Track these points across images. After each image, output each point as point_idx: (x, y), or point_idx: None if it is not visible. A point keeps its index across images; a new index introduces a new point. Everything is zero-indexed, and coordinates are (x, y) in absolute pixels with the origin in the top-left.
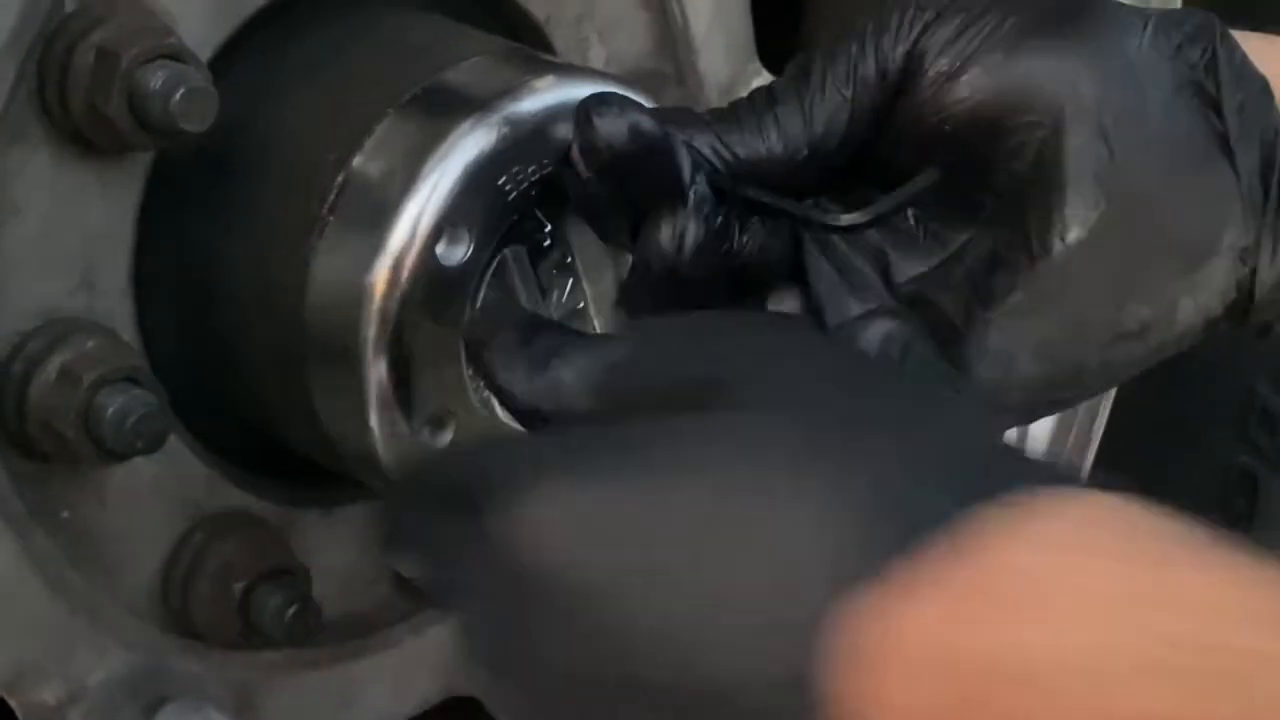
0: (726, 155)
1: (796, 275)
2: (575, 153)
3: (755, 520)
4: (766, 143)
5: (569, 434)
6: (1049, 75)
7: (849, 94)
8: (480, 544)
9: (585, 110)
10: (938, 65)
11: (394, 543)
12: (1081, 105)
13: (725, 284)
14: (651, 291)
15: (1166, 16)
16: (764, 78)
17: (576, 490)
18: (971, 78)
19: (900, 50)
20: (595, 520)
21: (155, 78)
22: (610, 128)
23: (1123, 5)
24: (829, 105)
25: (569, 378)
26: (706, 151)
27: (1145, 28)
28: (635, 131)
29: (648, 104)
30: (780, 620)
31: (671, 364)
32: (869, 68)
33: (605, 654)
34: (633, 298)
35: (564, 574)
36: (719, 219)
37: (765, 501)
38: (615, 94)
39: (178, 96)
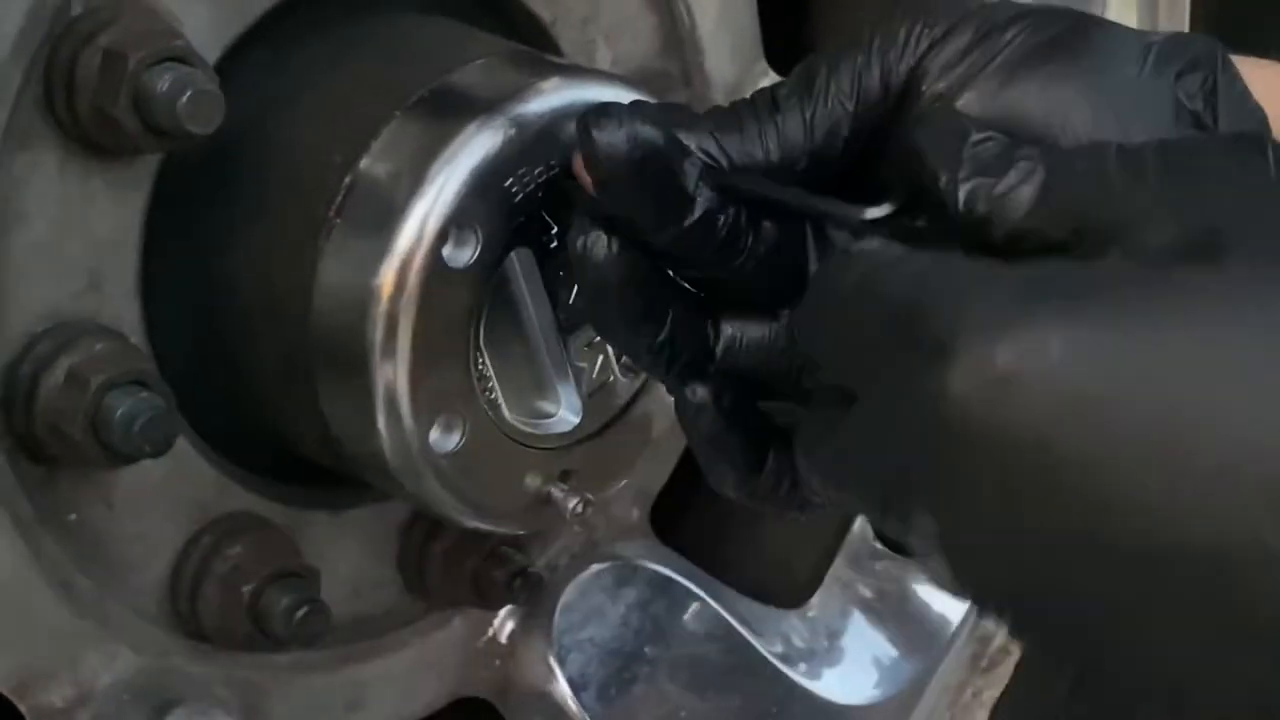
0: (723, 161)
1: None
2: (577, 166)
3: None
4: (765, 149)
5: (1041, 267)
6: (1041, 104)
7: (852, 106)
8: (923, 380)
9: (585, 123)
10: (935, 87)
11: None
12: (1073, 136)
13: (732, 295)
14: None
15: (1170, 43)
16: (771, 78)
17: (1083, 331)
18: (965, 103)
19: (904, 66)
20: (1101, 373)
21: (162, 80)
22: (611, 139)
23: (1126, 31)
24: (831, 116)
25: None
26: (703, 155)
27: (1146, 55)
28: (636, 141)
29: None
30: None
31: (1157, 197)
32: (873, 81)
33: (1089, 514)
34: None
35: (1060, 428)
36: (725, 226)
37: None
38: (615, 105)
39: (185, 99)
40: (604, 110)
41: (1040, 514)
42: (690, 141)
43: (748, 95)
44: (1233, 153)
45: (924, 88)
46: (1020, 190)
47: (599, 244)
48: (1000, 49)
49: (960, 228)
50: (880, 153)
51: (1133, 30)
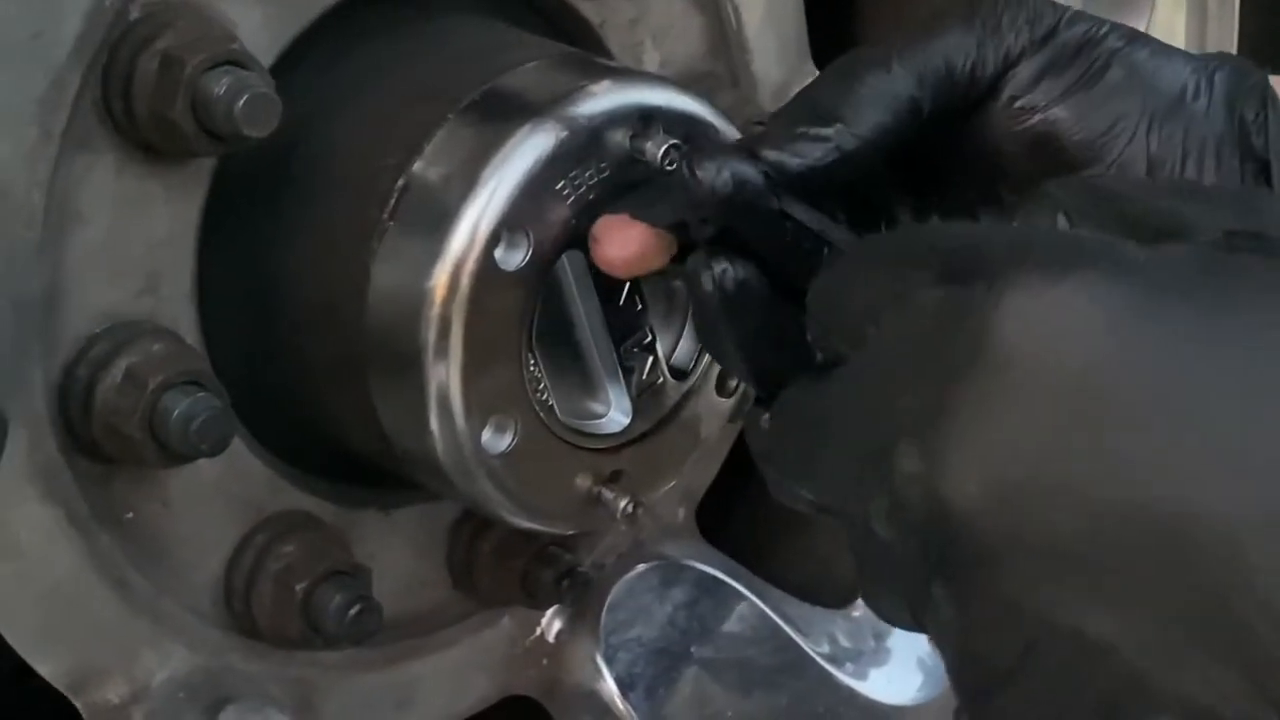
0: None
1: None
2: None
3: None
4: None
5: (1098, 235)
6: (1129, 131)
7: (933, 89)
8: (968, 319)
9: (690, 165)
10: (1027, 99)
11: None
12: (1152, 157)
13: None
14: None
15: (1230, 72)
16: None
17: (1124, 289)
18: (1057, 116)
19: (1000, 55)
20: (1142, 329)
21: (219, 84)
22: (714, 180)
23: (1189, 57)
24: (909, 93)
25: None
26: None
27: (1212, 88)
28: (739, 181)
29: (711, 114)
30: None
31: (1205, 204)
32: (964, 66)
33: (1110, 469)
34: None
35: (1091, 375)
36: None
37: None
38: (716, 146)
39: (241, 102)
40: (707, 153)
41: (1050, 455)
42: (771, 155)
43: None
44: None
45: (1010, 90)
46: None
47: (727, 273)
48: (1100, 66)
49: None
50: (951, 147)
51: (1195, 57)
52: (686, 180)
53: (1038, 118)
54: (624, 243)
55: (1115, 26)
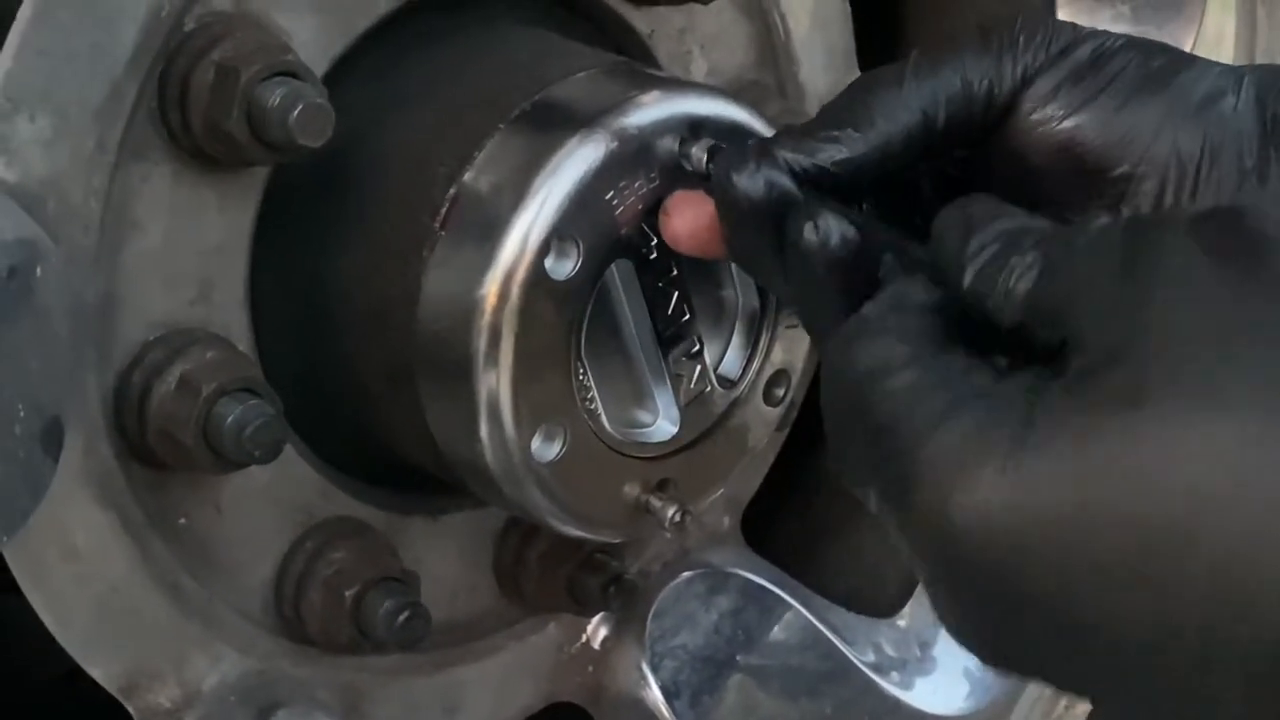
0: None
1: None
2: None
3: None
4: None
5: (1001, 398)
6: (1151, 132)
7: (953, 106)
8: (895, 499)
9: (725, 168)
10: (1044, 111)
11: None
12: (1178, 161)
13: None
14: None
15: (1261, 74)
16: None
17: (1015, 484)
18: (1079, 125)
19: (1018, 72)
20: (1033, 523)
21: (274, 94)
22: (748, 185)
23: (1219, 65)
24: (922, 113)
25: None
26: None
27: (1240, 89)
28: (771, 184)
29: (759, 123)
30: None
31: (1108, 300)
32: (983, 83)
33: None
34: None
35: (1005, 571)
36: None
37: None
38: (751, 146)
39: (296, 113)
40: (742, 156)
41: (1011, 624)
42: (798, 156)
43: None
44: (1193, 235)
45: (1029, 104)
46: (1016, 289)
47: (830, 228)
48: (1114, 75)
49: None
50: (982, 159)
51: (1222, 64)
52: (723, 184)
53: (1058, 128)
54: (694, 217)
55: (1132, 40)
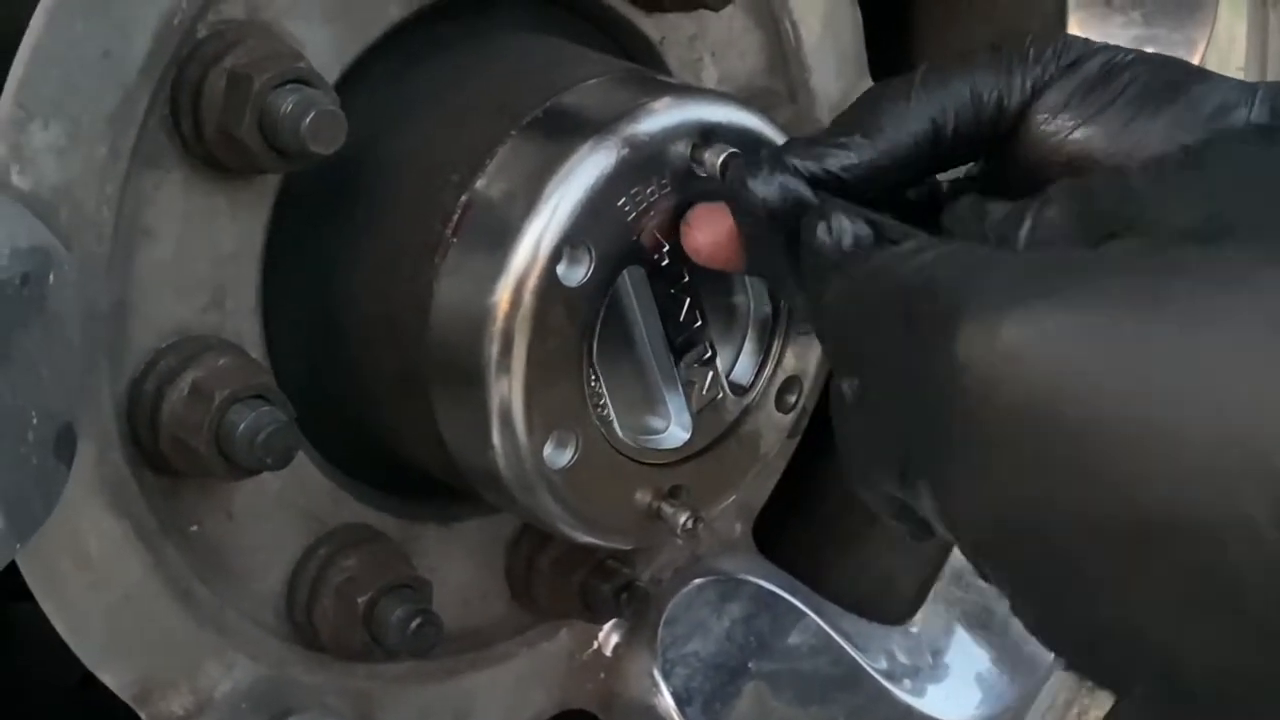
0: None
1: None
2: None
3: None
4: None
5: (1046, 252)
6: (1161, 144)
7: (966, 117)
8: (930, 352)
9: (740, 174)
10: (1055, 122)
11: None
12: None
13: None
14: None
15: (1274, 85)
16: None
17: (1077, 309)
18: (1088, 137)
19: (1029, 84)
20: (1094, 350)
21: (286, 102)
22: (764, 190)
23: (1229, 79)
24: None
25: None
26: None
27: (1253, 100)
28: (785, 190)
29: (770, 129)
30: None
31: (1171, 191)
32: (993, 96)
33: (1069, 482)
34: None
35: (1044, 401)
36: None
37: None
38: (765, 153)
39: (308, 120)
40: (756, 161)
41: (1034, 483)
42: (808, 162)
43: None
44: (1254, 143)
45: (1039, 116)
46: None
47: (844, 228)
48: (1124, 88)
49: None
50: (995, 169)
51: (1235, 79)
52: (738, 191)
53: (1069, 139)
54: (715, 231)
55: (1142, 54)
